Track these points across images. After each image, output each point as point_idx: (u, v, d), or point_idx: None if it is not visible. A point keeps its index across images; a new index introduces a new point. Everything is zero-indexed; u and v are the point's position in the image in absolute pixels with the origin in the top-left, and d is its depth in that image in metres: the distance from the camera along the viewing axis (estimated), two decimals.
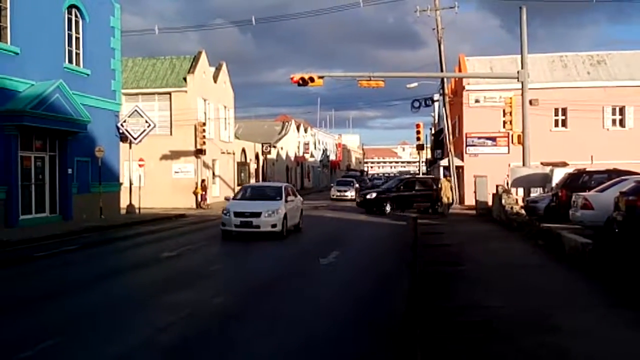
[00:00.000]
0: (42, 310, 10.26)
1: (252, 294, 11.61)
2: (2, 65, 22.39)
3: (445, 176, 35.72)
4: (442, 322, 8.09)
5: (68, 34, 26.59)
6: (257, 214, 20.36)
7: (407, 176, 41.65)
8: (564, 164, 31.86)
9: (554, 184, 25.77)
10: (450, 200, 32.07)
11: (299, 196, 24.61)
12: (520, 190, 30.37)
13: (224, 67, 50.66)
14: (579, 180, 23.65)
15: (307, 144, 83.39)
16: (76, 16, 27.19)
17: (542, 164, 32.46)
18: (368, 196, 35.45)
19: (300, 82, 27.42)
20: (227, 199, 23.83)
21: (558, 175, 26.08)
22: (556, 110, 40.24)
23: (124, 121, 31.53)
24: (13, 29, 23.00)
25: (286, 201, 21.77)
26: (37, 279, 13.84)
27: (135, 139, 31.71)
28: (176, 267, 15.27)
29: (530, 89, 28.31)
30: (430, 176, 41.79)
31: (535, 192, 28.75)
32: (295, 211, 23.04)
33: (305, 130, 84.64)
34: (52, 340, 8.14)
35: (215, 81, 48.06)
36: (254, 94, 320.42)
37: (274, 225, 20.41)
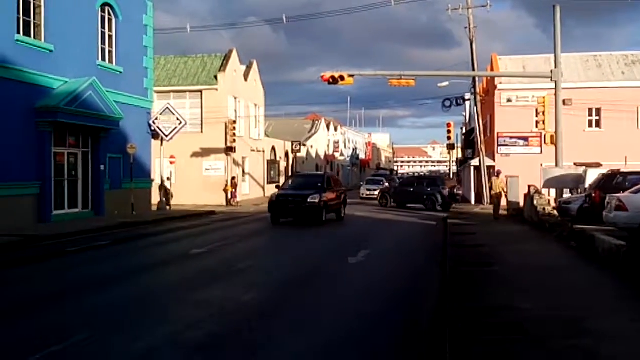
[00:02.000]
0: (74, 305, 10.39)
1: (285, 289, 11.62)
2: (36, 62, 22.72)
3: (497, 174, 29.80)
4: (472, 323, 8.00)
5: (101, 31, 26.88)
6: None
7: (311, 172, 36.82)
8: (598, 165, 31.38)
9: (587, 185, 25.41)
10: (501, 202, 28.26)
11: None
12: (553, 191, 29.98)
13: (255, 65, 50.84)
14: (613, 182, 23.26)
15: (337, 142, 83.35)
16: (109, 14, 27.48)
17: (575, 164, 32.03)
18: (310, 199, 25.47)
19: (331, 80, 27.39)
20: None
21: (591, 176, 25.71)
22: (590, 110, 39.69)
23: (156, 118, 31.80)
24: (47, 27, 23.33)
25: None
26: (68, 273, 14.03)
27: (166, 136, 31.98)
28: (206, 263, 15.35)
29: (563, 88, 27.90)
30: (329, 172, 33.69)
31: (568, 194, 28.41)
32: None
33: (336, 129, 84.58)
34: (82, 334, 8.22)
35: (245, 79, 48.24)
36: (284, 92, 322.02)
37: None
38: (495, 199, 28.22)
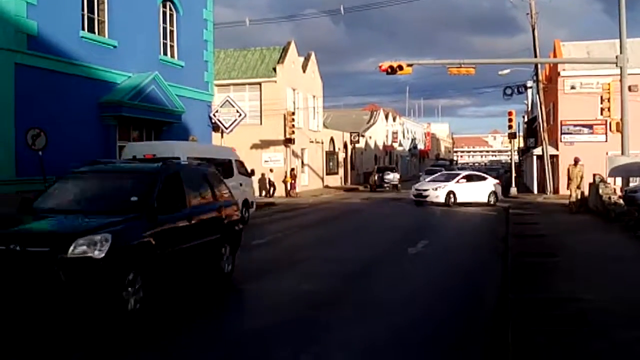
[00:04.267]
0: None
1: (343, 280, 11.68)
2: (101, 58, 23.29)
3: (575, 162, 26.44)
4: (535, 314, 7.91)
5: (163, 27, 27.35)
6: None
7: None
8: None
9: None
10: (578, 194, 25.69)
11: None
12: (619, 180, 29.17)
13: (313, 56, 50.98)
14: None
15: (396, 132, 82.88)
16: (170, 9, 27.94)
17: None
18: (78, 248, 8.15)
19: (389, 70, 27.20)
20: None
21: None
22: None
23: (216, 111, 32.23)
24: (111, 23, 23.87)
25: None
26: None
27: (226, 128, 32.38)
28: (267, 254, 15.54)
29: (629, 74, 27.06)
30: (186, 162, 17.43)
31: (635, 182, 27.62)
32: None
33: (394, 119, 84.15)
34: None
35: (304, 71, 48.43)
36: (343, 83, 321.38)
37: None
38: (575, 192, 25.63)
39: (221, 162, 21.86)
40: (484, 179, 33.96)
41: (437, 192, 31.45)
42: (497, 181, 34.71)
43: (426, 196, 31.61)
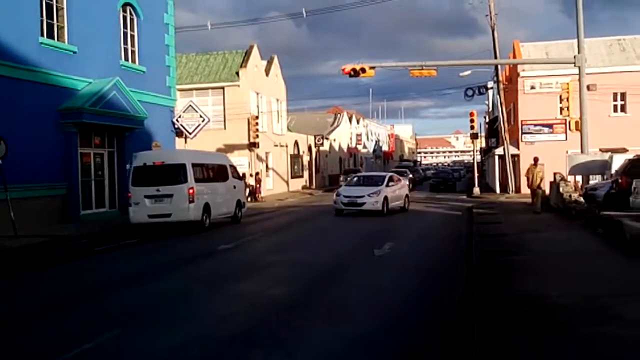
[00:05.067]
0: (104, 302, 10.54)
1: (309, 284, 11.69)
2: (60, 64, 22.99)
3: (534, 162, 25.70)
4: (499, 312, 8.01)
5: (123, 31, 27.11)
6: None
7: None
8: (624, 150, 31.06)
9: (613, 171, 25.15)
10: (539, 193, 24.94)
11: None
12: (579, 178, 29.68)
13: (276, 60, 51.02)
14: (639, 166, 22.99)
15: (360, 135, 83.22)
16: (131, 14, 27.70)
17: (600, 150, 31.75)
18: None
19: (352, 73, 27.34)
20: None
21: (618, 162, 25.44)
22: (615, 95, 39.30)
23: (179, 116, 32.02)
24: (70, 29, 23.59)
25: None
26: (98, 272, 14.25)
27: (190, 133, 32.18)
28: (233, 259, 15.48)
29: (587, 74, 27.61)
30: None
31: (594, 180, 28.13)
32: None
33: (358, 122, 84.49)
34: (114, 331, 8.37)
35: (267, 74, 48.40)
36: (306, 86, 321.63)
37: None
38: (536, 190, 25.02)
39: (218, 166, 24.33)
40: (400, 180, 30.61)
41: (374, 199, 26.49)
42: (407, 182, 33.01)
43: (362, 204, 26.45)
